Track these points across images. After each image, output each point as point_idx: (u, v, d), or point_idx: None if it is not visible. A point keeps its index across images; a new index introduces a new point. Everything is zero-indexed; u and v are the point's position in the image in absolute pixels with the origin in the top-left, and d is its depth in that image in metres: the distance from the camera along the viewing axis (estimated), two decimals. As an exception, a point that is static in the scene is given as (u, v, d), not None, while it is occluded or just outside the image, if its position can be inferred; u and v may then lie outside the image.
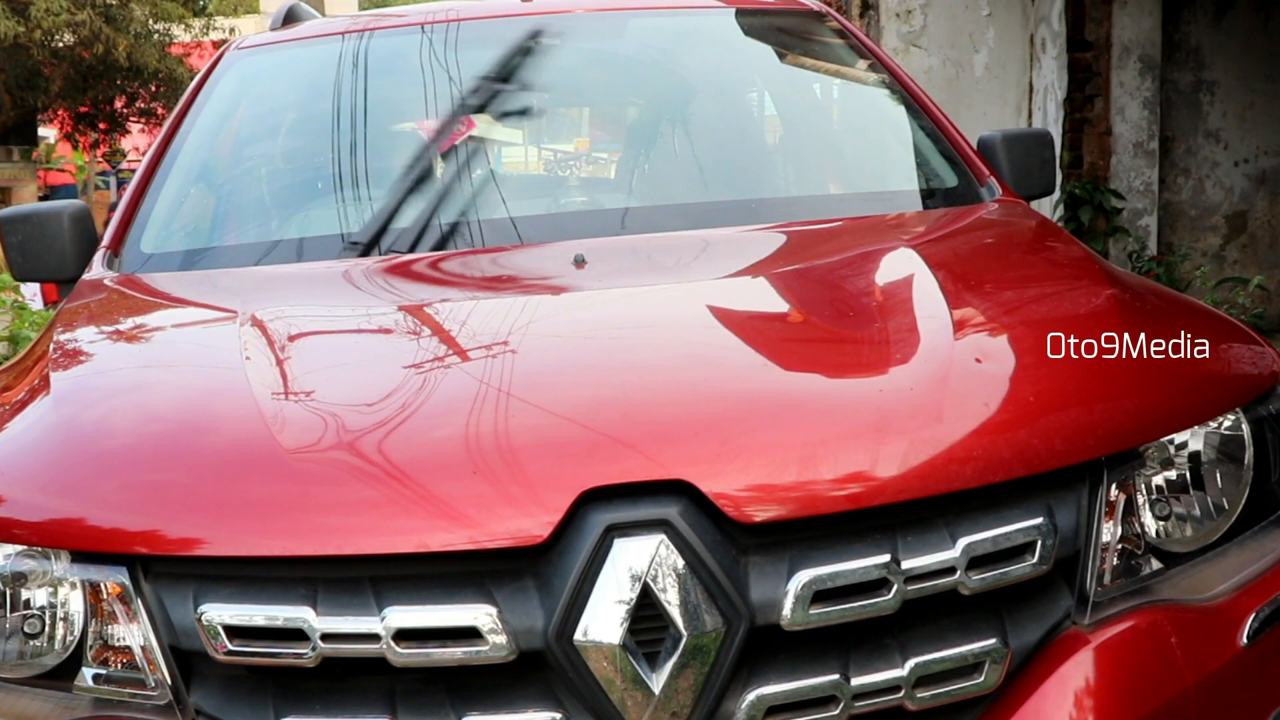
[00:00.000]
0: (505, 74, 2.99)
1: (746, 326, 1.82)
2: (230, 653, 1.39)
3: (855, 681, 1.38)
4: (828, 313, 1.87)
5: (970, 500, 1.45)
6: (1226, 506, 1.66)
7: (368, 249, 2.34)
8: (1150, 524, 1.60)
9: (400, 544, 1.37)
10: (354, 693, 1.39)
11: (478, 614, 1.35)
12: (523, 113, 3.27)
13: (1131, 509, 1.57)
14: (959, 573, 1.41)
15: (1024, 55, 7.45)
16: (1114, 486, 1.54)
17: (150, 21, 21.57)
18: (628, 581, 1.34)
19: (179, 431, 1.60)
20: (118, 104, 23.92)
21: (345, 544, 1.37)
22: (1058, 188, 5.92)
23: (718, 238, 2.26)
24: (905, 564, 1.39)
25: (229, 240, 2.56)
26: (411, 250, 2.32)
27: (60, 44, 20.87)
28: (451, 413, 1.53)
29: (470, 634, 1.35)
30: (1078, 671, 1.44)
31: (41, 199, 24.14)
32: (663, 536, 1.35)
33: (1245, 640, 1.56)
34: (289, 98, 2.98)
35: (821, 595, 1.37)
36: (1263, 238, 7.25)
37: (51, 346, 1.95)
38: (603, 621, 1.34)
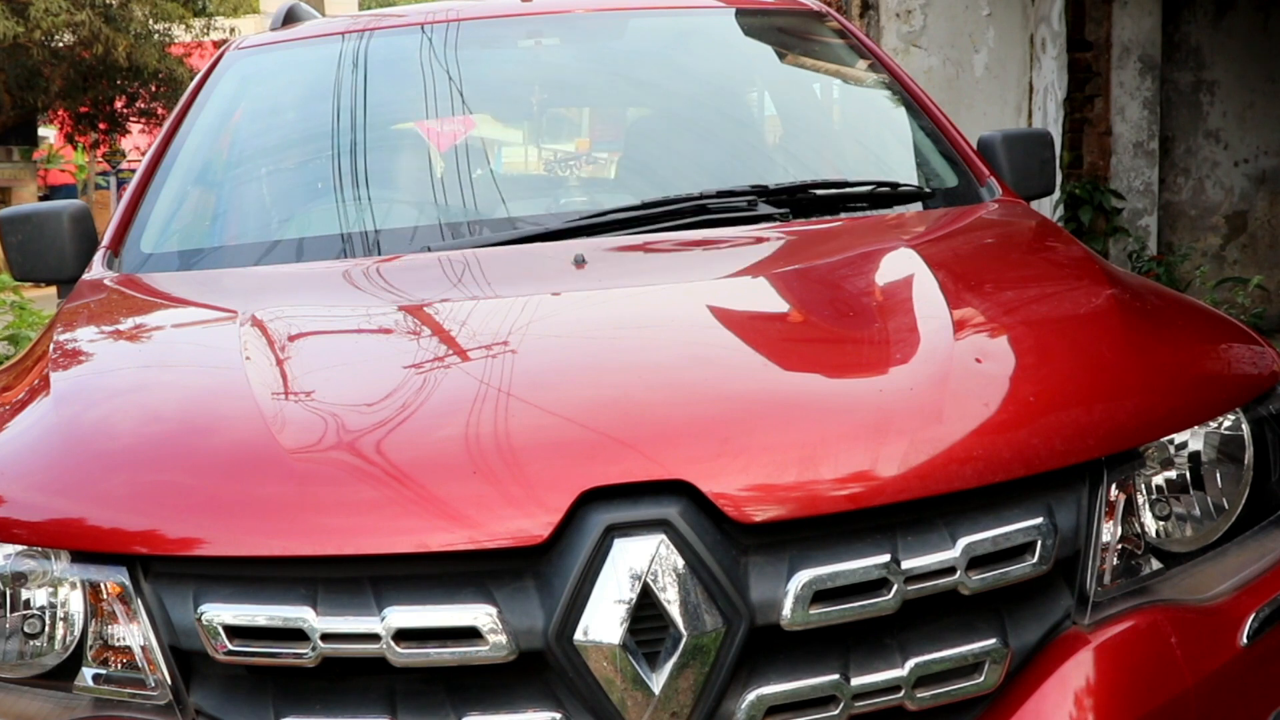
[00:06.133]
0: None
1: (746, 326, 1.82)
2: (230, 653, 1.39)
3: (855, 681, 1.38)
4: (828, 313, 1.87)
5: (970, 500, 1.45)
6: (1226, 506, 1.66)
7: (367, 249, 2.35)
8: (1150, 524, 1.60)
9: (400, 544, 1.37)
10: (354, 693, 1.39)
11: (478, 614, 1.35)
12: (522, 113, 3.27)
13: (1131, 509, 1.57)
14: (959, 573, 1.41)
15: (1024, 55, 7.45)
16: (1114, 486, 1.54)
17: (150, 21, 21.58)
18: (628, 581, 1.34)
19: (179, 431, 1.60)
20: (118, 104, 23.94)
21: (345, 544, 1.37)
22: (1058, 188, 5.92)
23: (717, 237, 2.26)
24: (905, 564, 1.39)
25: (229, 240, 2.56)
26: (410, 250, 2.32)
27: (60, 44, 20.88)
28: (451, 413, 1.53)
29: (470, 634, 1.35)
30: (1078, 671, 1.44)
31: (41, 199, 24.15)
32: (663, 536, 1.35)
33: (1245, 640, 1.56)
34: (289, 98, 2.98)
35: (821, 595, 1.37)
36: (1263, 238, 7.25)
37: (51, 346, 1.95)
38: (603, 621, 1.34)
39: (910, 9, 7.46)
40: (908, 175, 2.70)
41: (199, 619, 1.40)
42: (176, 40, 23.32)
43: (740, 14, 3.14)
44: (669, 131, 2.98)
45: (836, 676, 1.37)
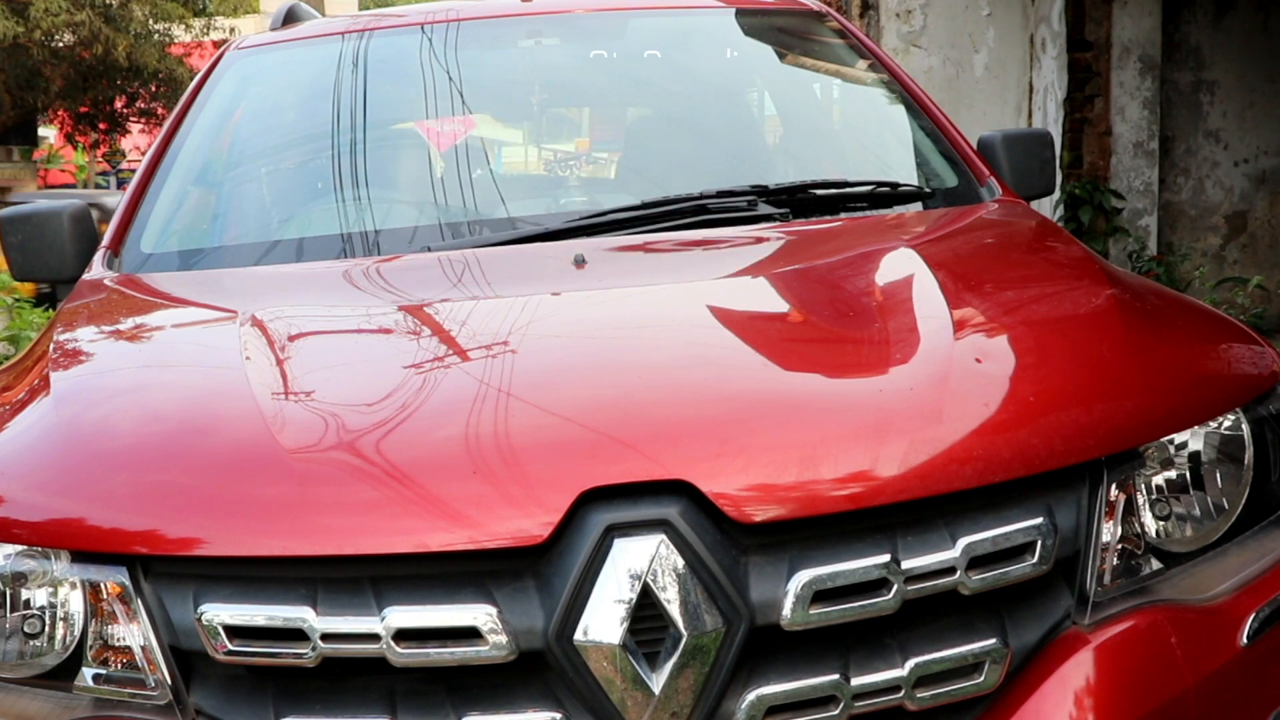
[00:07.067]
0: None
1: (746, 326, 1.82)
2: (230, 653, 1.39)
3: (855, 681, 1.38)
4: (828, 313, 1.87)
5: (970, 500, 1.45)
6: (1226, 506, 1.66)
7: (367, 249, 2.35)
8: (1150, 524, 1.60)
9: (400, 544, 1.37)
10: (354, 693, 1.39)
11: (478, 614, 1.35)
12: (523, 113, 3.27)
13: (1131, 509, 1.57)
14: (959, 573, 1.41)
15: (1024, 55, 7.45)
16: (1114, 486, 1.54)
17: (150, 21, 21.56)
18: (628, 581, 1.34)
19: (179, 431, 1.60)
20: (118, 104, 23.91)
21: (345, 544, 1.37)
22: (1058, 188, 5.92)
23: (718, 237, 2.26)
24: (905, 564, 1.39)
25: (229, 240, 2.57)
26: (410, 250, 2.32)
27: (60, 44, 20.86)
28: (451, 413, 1.53)
29: (470, 634, 1.35)
30: (1078, 671, 1.44)
31: (41, 199, 24.06)
32: (663, 536, 1.35)
33: (1245, 640, 1.56)
34: (289, 98, 2.98)
35: (821, 595, 1.37)
36: (1263, 238, 7.25)
37: (51, 346, 1.95)
38: (603, 621, 1.34)
39: (910, 9, 7.47)
40: (908, 175, 2.70)
41: (199, 619, 1.40)
42: (176, 40, 23.29)
43: (740, 14, 3.14)
44: (669, 131, 2.98)
45: (836, 676, 1.37)
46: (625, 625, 1.34)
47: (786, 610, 1.36)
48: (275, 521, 1.41)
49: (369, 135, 2.71)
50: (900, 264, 2.00)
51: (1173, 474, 1.62)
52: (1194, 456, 1.64)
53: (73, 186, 28.23)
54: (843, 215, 2.44)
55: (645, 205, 2.37)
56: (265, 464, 1.48)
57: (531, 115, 3.35)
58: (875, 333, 1.72)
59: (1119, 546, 1.55)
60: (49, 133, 28.35)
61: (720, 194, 2.38)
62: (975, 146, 2.78)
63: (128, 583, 1.44)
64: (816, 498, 1.39)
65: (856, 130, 3.09)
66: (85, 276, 2.44)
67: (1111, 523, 1.54)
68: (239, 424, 1.57)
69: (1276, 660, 1.60)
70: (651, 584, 1.34)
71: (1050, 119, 7.14)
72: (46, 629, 1.50)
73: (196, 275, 2.39)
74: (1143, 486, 1.59)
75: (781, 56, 3.15)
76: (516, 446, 1.44)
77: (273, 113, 2.96)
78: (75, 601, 1.49)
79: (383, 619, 1.36)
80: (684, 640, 1.34)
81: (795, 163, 2.88)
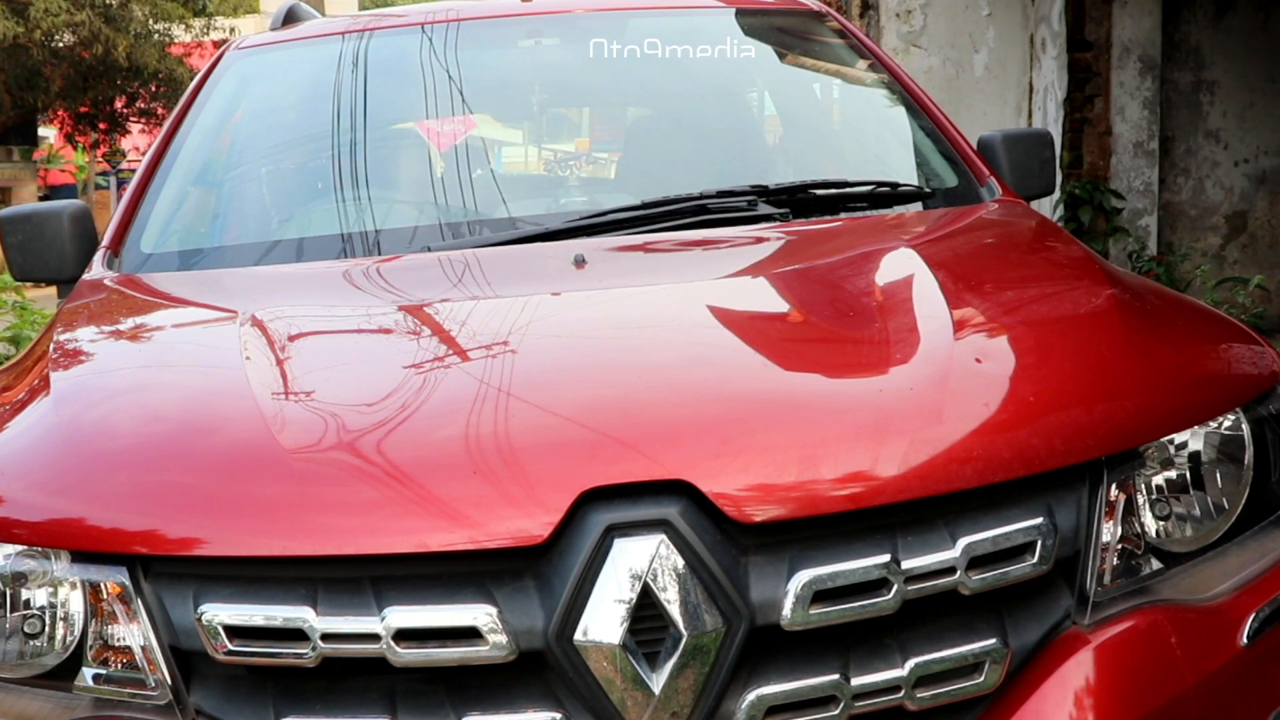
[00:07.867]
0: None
1: (747, 326, 1.82)
2: (230, 653, 1.39)
3: (855, 681, 1.38)
4: (828, 313, 1.87)
5: (970, 500, 1.45)
6: (1226, 506, 1.66)
7: (368, 249, 2.35)
8: (1150, 524, 1.60)
9: (400, 544, 1.37)
10: (354, 693, 1.39)
11: (478, 614, 1.35)
12: (523, 113, 3.28)
13: (1131, 509, 1.57)
14: (959, 573, 1.41)
15: (1024, 55, 7.45)
16: (1114, 486, 1.54)
17: (150, 21, 21.57)
18: (628, 581, 1.34)
19: (179, 431, 1.60)
20: (118, 104, 23.91)
21: (345, 544, 1.37)
22: (1058, 188, 5.92)
23: (718, 237, 2.26)
24: (905, 564, 1.39)
25: (229, 240, 2.57)
26: (410, 250, 2.32)
27: (60, 44, 20.86)
28: (451, 413, 1.53)
29: (470, 634, 1.35)
30: (1078, 671, 1.44)
31: (41, 199, 24.13)
32: (663, 536, 1.35)
33: (1245, 640, 1.56)
34: (289, 98, 2.98)
35: (821, 595, 1.37)
36: (1263, 238, 7.25)
37: (51, 346, 1.95)
38: (603, 621, 1.34)
39: (910, 9, 7.47)
40: (908, 175, 2.70)
41: (199, 619, 1.40)
42: (176, 40, 23.29)
43: (740, 14, 3.15)
44: (669, 131, 2.98)
45: (836, 676, 1.37)
46: (625, 625, 1.34)
47: (786, 610, 1.36)
48: (275, 521, 1.41)
49: (369, 135, 2.71)
50: (900, 264, 2.00)
51: (1173, 474, 1.62)
52: (1194, 456, 1.64)
53: (71, 187, 28.25)
54: (843, 215, 2.44)
55: (645, 205, 2.37)
56: (265, 464, 1.48)
57: (531, 115, 3.35)
58: (875, 333, 1.72)
59: (1119, 546, 1.55)
60: (49, 133, 28.35)
61: (720, 194, 2.38)
62: (975, 146, 2.78)
63: (128, 583, 1.44)
64: (816, 498, 1.39)
65: (856, 130, 3.09)
66: (85, 276, 2.44)
67: (1111, 523, 1.54)
68: (239, 424, 1.57)
69: (1276, 660, 1.60)
70: (651, 584, 1.34)
71: (1050, 119, 7.14)
72: (46, 629, 1.50)
73: (196, 275, 2.39)
74: (1143, 486, 1.59)
75: (781, 56, 3.15)
76: (516, 446, 1.44)
77: (273, 113, 2.96)
78: (75, 601, 1.49)
79: (383, 619, 1.36)
80: (684, 640, 1.34)
81: (795, 163, 2.88)
